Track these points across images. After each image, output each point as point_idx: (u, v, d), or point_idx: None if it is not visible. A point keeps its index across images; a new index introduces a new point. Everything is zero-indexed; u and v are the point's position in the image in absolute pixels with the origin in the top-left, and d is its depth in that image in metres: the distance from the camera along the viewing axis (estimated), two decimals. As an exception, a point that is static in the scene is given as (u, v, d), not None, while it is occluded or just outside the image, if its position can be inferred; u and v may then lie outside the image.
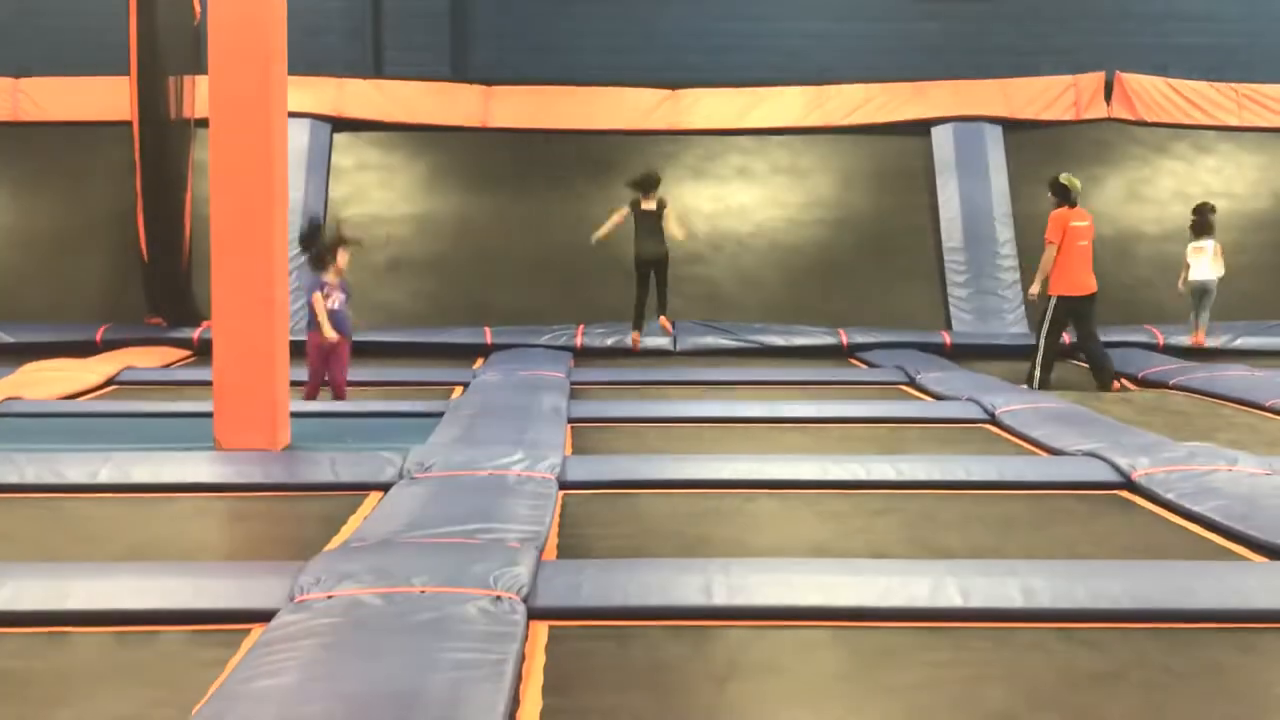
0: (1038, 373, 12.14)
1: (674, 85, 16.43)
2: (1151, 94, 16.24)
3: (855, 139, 16.28)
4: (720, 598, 4.98)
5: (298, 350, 9.12)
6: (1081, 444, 8.22)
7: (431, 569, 4.96)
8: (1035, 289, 12.49)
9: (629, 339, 13.94)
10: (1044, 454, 8.41)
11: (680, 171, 16.01)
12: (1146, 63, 16.61)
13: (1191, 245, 14.16)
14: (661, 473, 7.50)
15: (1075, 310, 12.29)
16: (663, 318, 13.65)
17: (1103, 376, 12.18)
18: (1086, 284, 12.27)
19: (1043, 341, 12.25)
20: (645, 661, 4.51)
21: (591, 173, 15.91)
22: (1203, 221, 14.17)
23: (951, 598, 5.02)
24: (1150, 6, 17.64)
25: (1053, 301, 12.23)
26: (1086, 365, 12.59)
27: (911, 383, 12.02)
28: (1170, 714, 4.15)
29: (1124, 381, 12.31)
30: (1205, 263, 13.97)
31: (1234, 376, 12.04)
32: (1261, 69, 16.69)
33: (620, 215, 13.46)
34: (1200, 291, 14.06)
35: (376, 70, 17.11)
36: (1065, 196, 12.44)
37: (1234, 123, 16.25)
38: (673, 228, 13.40)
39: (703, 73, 16.87)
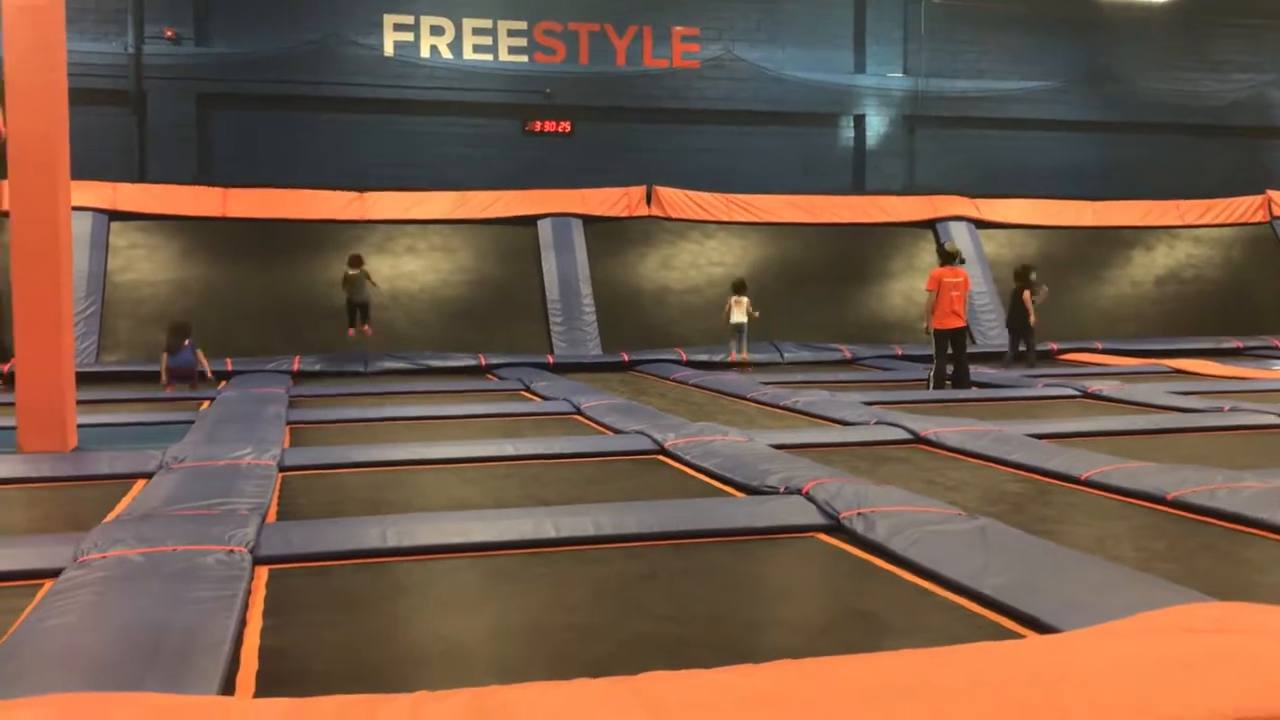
0: (932, 380, 11.57)
1: (361, 189, 16.03)
2: (675, 200, 16.78)
3: (487, 227, 16.24)
4: (391, 541, 4.88)
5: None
6: (634, 426, 8.39)
7: (181, 533, 4.68)
8: (925, 324, 11.68)
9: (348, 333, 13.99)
10: (611, 433, 8.49)
11: (366, 248, 15.53)
12: (672, 179, 17.18)
13: (732, 299, 14.27)
14: (354, 457, 7.29)
15: (949, 337, 11.47)
16: (365, 326, 13.88)
17: (962, 382, 11.55)
18: (956, 320, 11.44)
19: (934, 360, 11.54)
20: (339, 589, 4.39)
21: (303, 249, 15.39)
22: (739, 283, 14.44)
23: (548, 531, 5.06)
24: (672, 143, 18.33)
25: (934, 332, 11.51)
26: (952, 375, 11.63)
27: (527, 389, 11.99)
28: (685, 597, 4.30)
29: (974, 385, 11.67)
30: (741, 311, 14.12)
31: (728, 378, 12.56)
32: (740, 184, 17.49)
33: (346, 279, 13.87)
34: (736, 328, 14.15)
35: (141, 176, 16.07)
36: (945, 259, 11.81)
37: (725, 218, 16.92)
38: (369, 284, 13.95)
39: (382, 181, 16.54)
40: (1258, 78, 20.66)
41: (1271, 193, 18.81)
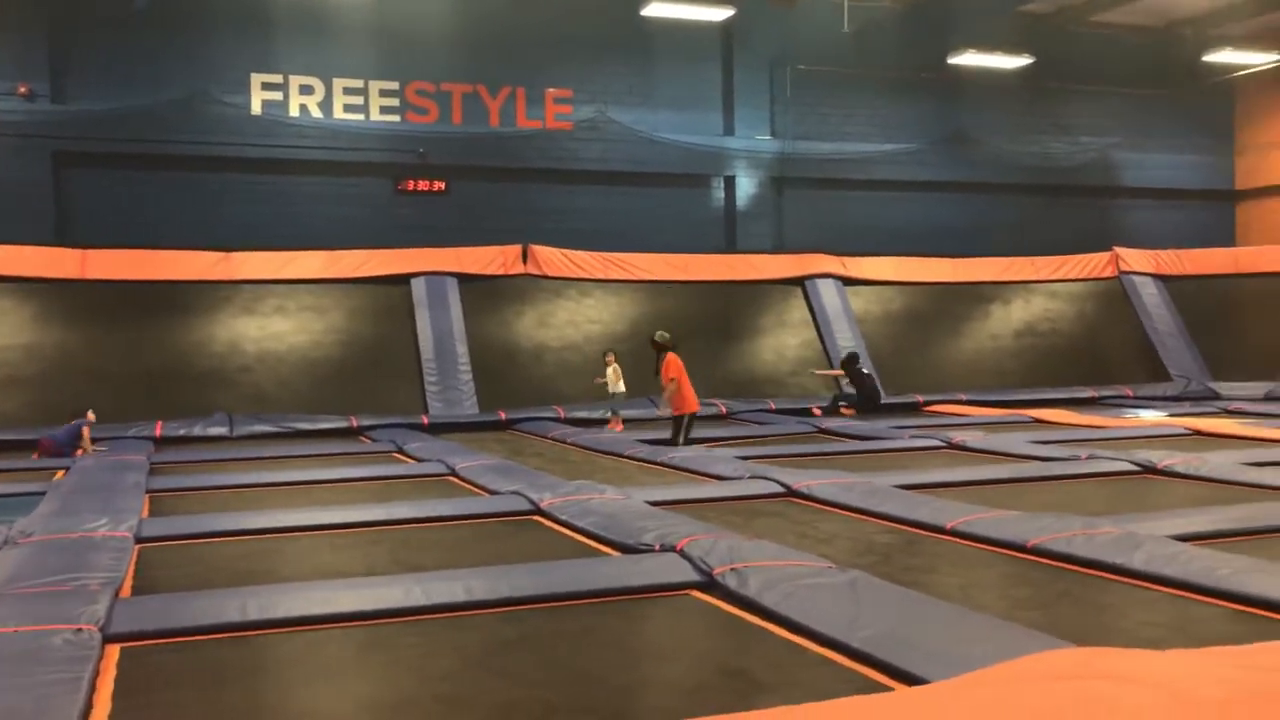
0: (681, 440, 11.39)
1: (228, 249, 15.62)
2: (551, 258, 16.77)
3: (359, 287, 15.96)
4: (254, 614, 4.70)
5: None
6: (510, 486, 8.29)
7: (25, 612, 4.42)
8: (667, 411, 11.73)
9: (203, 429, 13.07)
10: (486, 495, 8.36)
11: (234, 309, 15.23)
12: (548, 238, 17.20)
13: (613, 367, 13.94)
14: (217, 526, 7.02)
15: (692, 418, 11.66)
16: None
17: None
18: (696, 403, 11.70)
19: (681, 443, 11.39)
20: (196, 666, 4.19)
21: (167, 311, 14.88)
22: (614, 354, 14.18)
23: (418, 599, 4.94)
24: (547, 202, 18.40)
25: (685, 420, 11.52)
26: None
27: (400, 451, 11.67)
28: (557, 661, 4.23)
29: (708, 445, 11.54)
30: (619, 382, 13.90)
31: (605, 435, 12.52)
32: (615, 243, 17.61)
33: None
34: (616, 396, 13.97)
35: (-10, 237, 15.35)
36: (667, 347, 11.80)
37: (601, 276, 16.98)
38: None
39: (250, 241, 16.13)
40: (1103, 140, 21.79)
41: (1118, 249, 19.76)
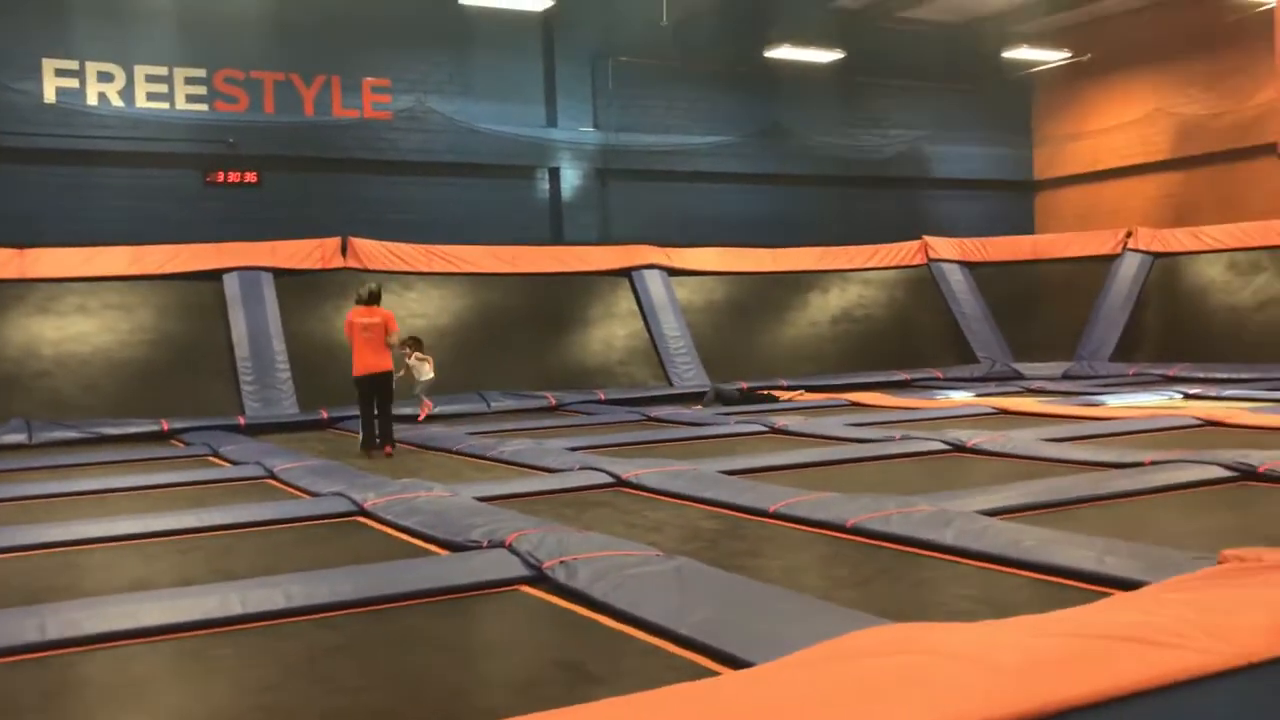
0: (360, 435, 10.72)
1: (21, 246, 14.67)
2: (372, 251, 16.35)
3: (167, 283, 15.22)
4: (52, 633, 4.41)
5: None
6: (332, 487, 8.07)
7: None
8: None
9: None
10: (308, 497, 8.12)
11: (28, 309, 14.31)
12: (368, 230, 16.79)
13: (415, 355, 13.24)
14: (15, 540, 6.57)
15: (364, 385, 10.75)
16: None
17: (388, 436, 10.75)
18: (365, 365, 10.68)
19: (360, 414, 10.76)
20: (-12, 693, 3.91)
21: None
22: (415, 341, 13.47)
23: (234, 608, 4.74)
24: (367, 194, 17.97)
25: (354, 380, 10.75)
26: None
27: (215, 454, 11.20)
28: (382, 666, 4.11)
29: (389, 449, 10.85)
30: (426, 368, 13.30)
31: (434, 431, 12.30)
32: (439, 235, 17.32)
33: None
34: (424, 385, 13.42)
35: None
36: (359, 300, 10.87)
37: (424, 269, 16.66)
38: None
39: (46, 237, 15.19)
40: (912, 134, 22.67)
41: (927, 238, 20.61)
